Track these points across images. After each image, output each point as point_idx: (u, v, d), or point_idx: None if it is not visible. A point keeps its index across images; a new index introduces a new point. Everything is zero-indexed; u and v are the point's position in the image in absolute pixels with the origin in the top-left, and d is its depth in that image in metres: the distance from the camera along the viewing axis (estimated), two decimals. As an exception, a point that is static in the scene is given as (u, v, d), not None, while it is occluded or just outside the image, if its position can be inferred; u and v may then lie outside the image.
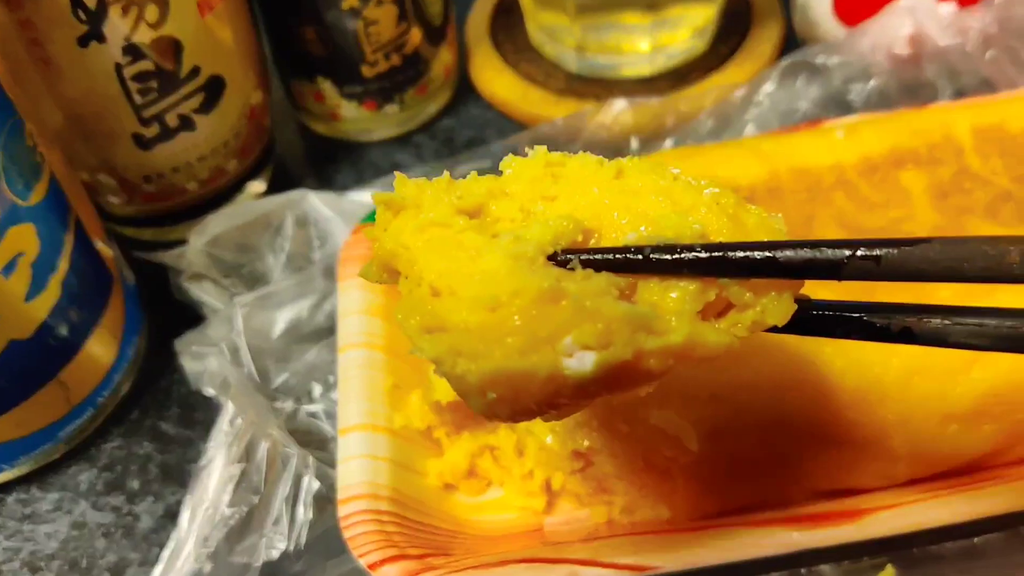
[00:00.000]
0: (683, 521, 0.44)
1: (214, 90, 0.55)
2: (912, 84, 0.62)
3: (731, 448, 0.43)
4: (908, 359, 0.43)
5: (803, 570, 0.43)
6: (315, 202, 0.58)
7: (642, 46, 0.65)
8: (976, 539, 0.43)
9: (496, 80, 0.71)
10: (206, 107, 0.55)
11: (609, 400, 0.43)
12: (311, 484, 0.46)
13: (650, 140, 0.62)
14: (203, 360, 0.54)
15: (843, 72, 0.63)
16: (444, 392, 0.46)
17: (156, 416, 0.56)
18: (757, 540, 0.41)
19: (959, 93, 0.57)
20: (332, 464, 0.45)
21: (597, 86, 0.67)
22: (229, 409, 0.47)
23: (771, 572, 0.43)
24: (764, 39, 0.68)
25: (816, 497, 0.42)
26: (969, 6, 0.62)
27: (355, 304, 0.51)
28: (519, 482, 0.48)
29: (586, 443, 0.45)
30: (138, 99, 0.54)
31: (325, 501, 0.45)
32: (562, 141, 0.62)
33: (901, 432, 0.43)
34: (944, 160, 0.52)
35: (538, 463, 0.47)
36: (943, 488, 0.42)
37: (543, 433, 0.46)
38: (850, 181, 0.51)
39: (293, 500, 0.46)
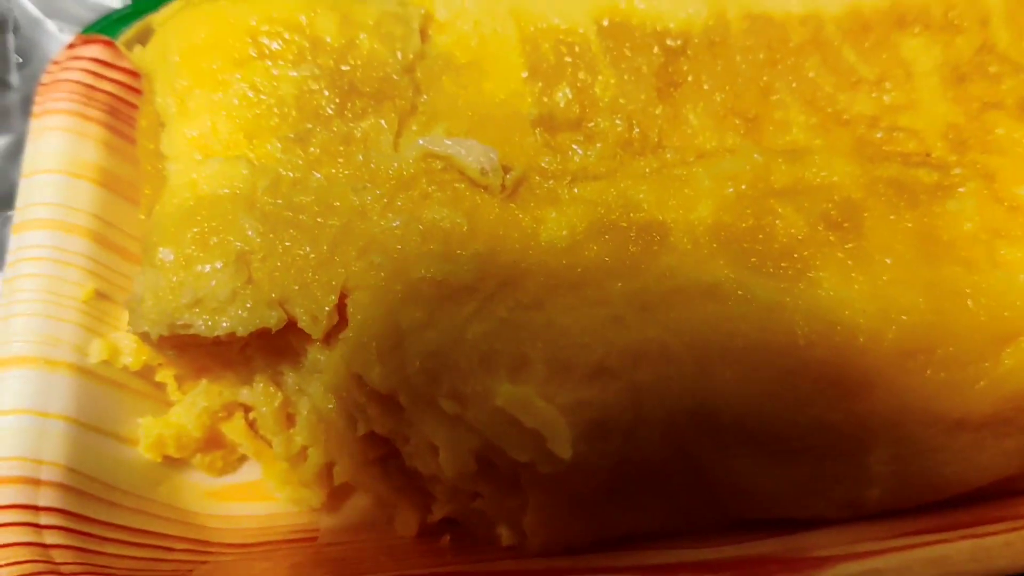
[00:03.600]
0: (530, 555, 0.28)
1: None
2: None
3: (621, 450, 0.26)
4: (912, 326, 0.26)
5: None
6: (16, -5, 0.38)
7: None
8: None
9: None
10: None
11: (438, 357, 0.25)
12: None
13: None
14: None
15: None
16: (165, 311, 0.27)
17: None
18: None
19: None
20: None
21: None
22: None
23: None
24: None
25: (741, 529, 0.27)
26: None
27: (53, 156, 0.34)
28: (285, 464, 0.31)
29: (386, 425, 0.27)
30: None
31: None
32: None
33: (887, 440, 0.27)
34: (964, 28, 0.35)
35: (314, 439, 0.30)
36: (935, 529, 0.27)
37: (322, 398, 0.28)
38: (829, 42, 0.34)
39: None
